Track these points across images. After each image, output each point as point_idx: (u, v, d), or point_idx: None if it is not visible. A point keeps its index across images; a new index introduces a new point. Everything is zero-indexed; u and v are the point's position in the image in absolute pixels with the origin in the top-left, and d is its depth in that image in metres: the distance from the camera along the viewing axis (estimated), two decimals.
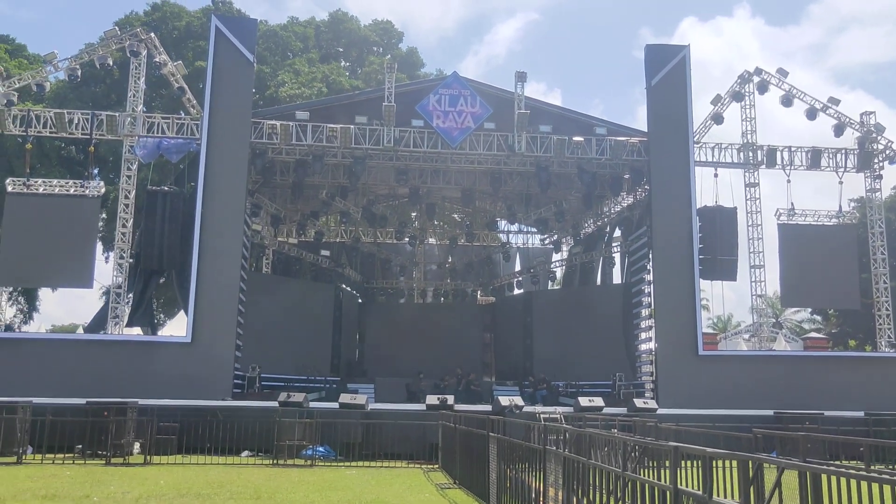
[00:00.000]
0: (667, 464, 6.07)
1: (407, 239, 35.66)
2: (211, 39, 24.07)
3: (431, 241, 38.86)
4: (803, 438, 9.40)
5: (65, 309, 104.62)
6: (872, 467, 8.69)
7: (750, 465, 5.29)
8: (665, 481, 6.07)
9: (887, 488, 4.34)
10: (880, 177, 27.35)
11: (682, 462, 5.86)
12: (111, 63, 26.29)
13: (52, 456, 16.13)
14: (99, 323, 26.72)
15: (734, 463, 5.51)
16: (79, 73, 25.36)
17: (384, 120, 24.16)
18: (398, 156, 25.33)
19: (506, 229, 37.28)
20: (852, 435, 14.47)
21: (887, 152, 27.13)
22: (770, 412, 20.15)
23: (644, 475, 6.75)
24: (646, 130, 25.61)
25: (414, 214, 37.05)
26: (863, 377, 24.26)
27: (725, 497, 7.21)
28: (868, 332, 34.68)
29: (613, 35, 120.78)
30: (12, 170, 32.16)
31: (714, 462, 5.54)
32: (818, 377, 24.19)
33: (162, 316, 41.64)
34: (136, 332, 25.85)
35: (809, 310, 45.72)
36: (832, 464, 9.18)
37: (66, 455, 16.47)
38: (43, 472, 14.77)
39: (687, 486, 5.60)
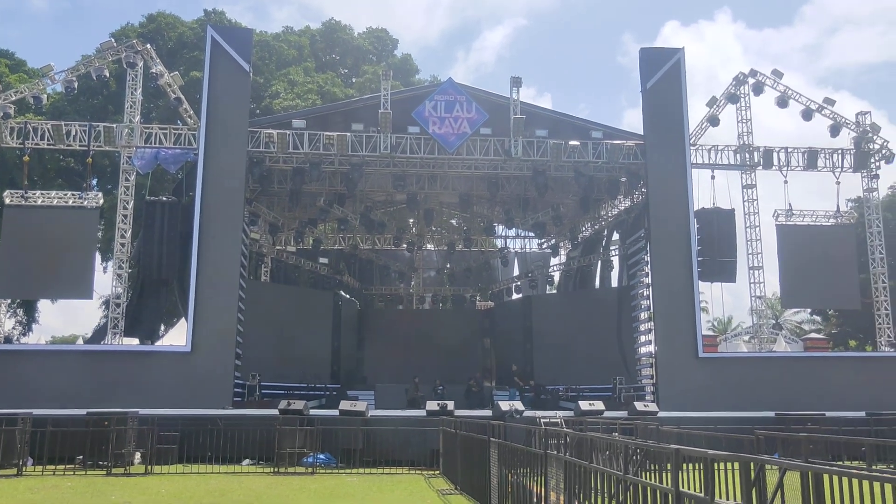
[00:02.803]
0: (668, 467, 6.07)
1: (405, 245, 35.69)
2: (207, 50, 24.09)
3: (429, 246, 38.86)
4: (806, 439, 9.39)
5: (64, 320, 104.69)
6: (874, 467, 8.70)
7: (752, 467, 5.29)
8: (667, 484, 6.07)
9: (888, 486, 4.34)
10: (877, 176, 27.39)
11: (684, 465, 5.86)
12: (108, 75, 26.32)
13: (52, 467, 16.12)
14: (100, 336, 26.71)
15: (736, 465, 5.50)
16: (76, 85, 25.36)
17: (381, 127, 24.18)
18: (395, 162, 25.35)
19: (503, 234, 37.26)
20: (854, 435, 14.48)
21: (883, 152, 27.19)
22: (771, 413, 20.15)
23: (645, 478, 6.75)
24: (641, 133, 25.65)
25: (412, 220, 37.08)
26: (864, 377, 24.23)
27: (728, 499, 7.21)
28: (868, 332, 34.68)
29: (597, 40, 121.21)
30: (12, 182, 32.17)
31: (716, 464, 5.53)
32: (819, 378, 24.16)
33: (161, 326, 41.62)
34: (135, 342, 25.81)
35: (809, 310, 45.73)
36: (834, 464, 9.19)
37: (67, 466, 16.46)
38: (44, 483, 14.74)
39: (689, 489, 5.60)
